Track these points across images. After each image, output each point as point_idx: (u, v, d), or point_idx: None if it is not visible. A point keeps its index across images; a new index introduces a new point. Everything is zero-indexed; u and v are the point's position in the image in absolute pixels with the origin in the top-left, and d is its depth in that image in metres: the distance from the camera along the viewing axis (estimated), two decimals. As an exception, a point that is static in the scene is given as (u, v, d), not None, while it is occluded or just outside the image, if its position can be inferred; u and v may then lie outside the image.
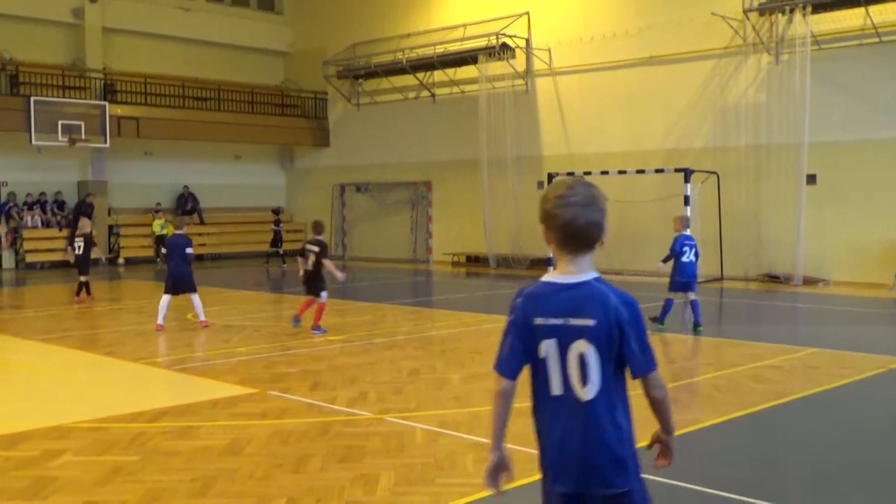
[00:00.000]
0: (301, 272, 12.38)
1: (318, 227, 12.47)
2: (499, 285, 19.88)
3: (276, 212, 26.58)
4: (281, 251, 25.57)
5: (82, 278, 16.34)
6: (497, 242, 23.90)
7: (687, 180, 19.18)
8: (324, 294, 12.18)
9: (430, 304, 17.13)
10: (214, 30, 29.35)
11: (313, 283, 12.20)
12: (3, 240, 24.98)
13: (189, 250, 12.80)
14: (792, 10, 19.17)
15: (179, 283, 12.70)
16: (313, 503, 5.37)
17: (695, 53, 20.82)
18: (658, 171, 20.20)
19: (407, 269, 25.08)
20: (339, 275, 12.36)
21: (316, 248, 12.15)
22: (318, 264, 12.09)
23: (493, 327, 12.63)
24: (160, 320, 12.51)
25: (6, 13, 25.14)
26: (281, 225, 25.86)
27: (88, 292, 16.45)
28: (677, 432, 6.68)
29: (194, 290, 12.79)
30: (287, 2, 31.48)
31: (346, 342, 11.46)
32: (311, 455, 6.31)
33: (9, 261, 25.02)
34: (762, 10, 19.72)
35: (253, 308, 15.62)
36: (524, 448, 6.43)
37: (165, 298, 12.59)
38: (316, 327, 12.03)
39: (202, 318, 12.76)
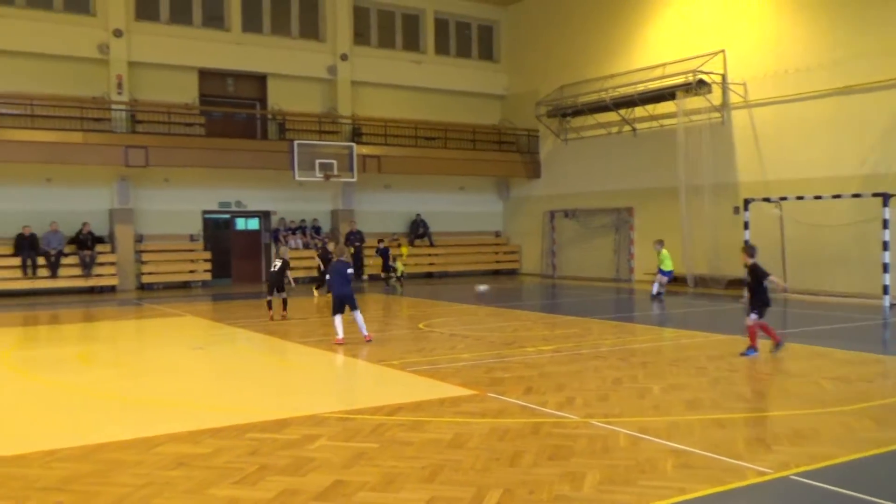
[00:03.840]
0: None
1: (751, 250, 11.17)
2: (696, 303, 19.08)
3: (322, 233, 26.43)
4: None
5: (280, 295, 16.12)
6: (695, 263, 22.93)
7: (885, 204, 17.59)
8: (753, 315, 10.89)
9: (632, 319, 16.69)
10: (441, 79, 30.32)
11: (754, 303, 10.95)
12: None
13: (349, 271, 12.54)
14: None
15: (344, 302, 12.36)
16: (526, 494, 5.37)
17: (893, 81, 19.10)
18: (855, 195, 18.65)
19: (610, 287, 24.61)
20: (781, 284, 11.45)
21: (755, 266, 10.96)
22: (758, 285, 10.84)
23: (690, 342, 12.14)
24: (340, 334, 12.25)
25: (278, 73, 27.28)
26: (326, 244, 22.37)
27: (284, 308, 16.23)
28: (873, 450, 6.08)
29: (356, 308, 12.42)
30: (504, 52, 31.97)
31: (555, 352, 11.40)
32: (524, 451, 6.32)
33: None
34: (966, 36, 17.79)
35: (474, 319, 15.87)
36: (716, 455, 6.12)
37: (338, 318, 12.34)
38: (752, 349, 10.87)
39: (364, 332, 12.37)
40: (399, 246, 27.67)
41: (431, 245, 29.38)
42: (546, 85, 29.00)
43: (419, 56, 30.23)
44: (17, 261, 22.45)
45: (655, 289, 19.71)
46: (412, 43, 30.37)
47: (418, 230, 29.35)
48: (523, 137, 30.45)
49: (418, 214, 29.57)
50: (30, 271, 22.54)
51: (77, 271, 23.22)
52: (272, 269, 16.50)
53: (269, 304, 16.05)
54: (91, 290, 23.33)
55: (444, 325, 14.70)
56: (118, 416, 7.83)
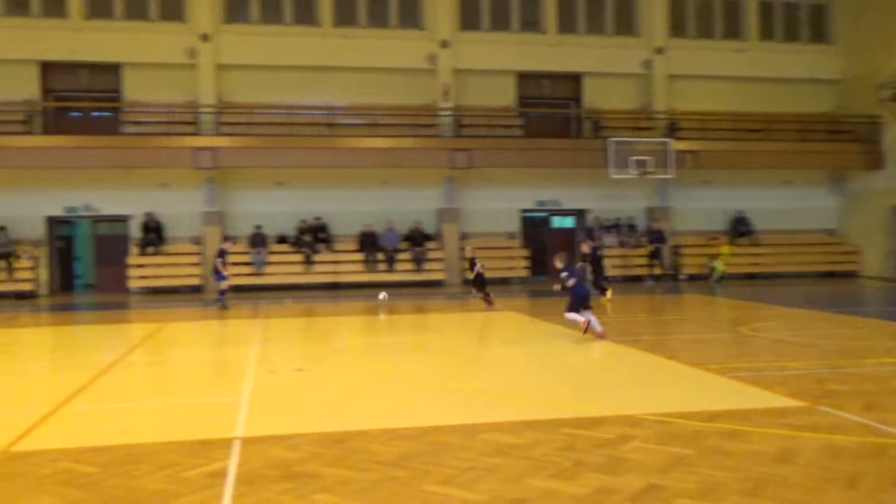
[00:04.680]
0: None
1: None
2: None
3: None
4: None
5: (478, 295, 18.01)
6: None
7: None
8: None
9: None
10: (766, 66, 28.41)
11: None
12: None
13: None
14: None
15: (587, 301, 12.95)
16: (866, 522, 4.88)
17: None
18: None
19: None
20: None
21: None
22: None
23: None
24: (599, 329, 12.71)
25: (593, 71, 27.48)
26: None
27: (489, 303, 17.79)
28: None
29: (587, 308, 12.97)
30: (839, 32, 29.10)
31: (901, 365, 10.16)
32: (864, 474, 5.72)
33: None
34: None
35: (804, 325, 14.68)
36: None
37: (574, 315, 12.84)
38: None
39: (599, 329, 12.74)
40: (719, 245, 26.56)
41: (755, 244, 27.69)
42: (891, 65, 25.90)
43: (741, 44, 28.61)
44: (360, 256, 25.15)
45: None
46: (733, 30, 28.84)
47: (739, 228, 27.81)
48: (862, 125, 27.50)
49: (740, 211, 28.01)
50: (371, 266, 25.11)
51: (410, 266, 25.37)
52: (478, 270, 18.08)
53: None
54: (421, 284, 25.34)
55: (770, 330, 13.78)
56: (446, 402, 8.43)
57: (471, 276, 18.64)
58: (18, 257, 23.86)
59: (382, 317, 17.40)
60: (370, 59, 25.96)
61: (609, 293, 19.11)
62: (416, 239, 25.54)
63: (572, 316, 12.92)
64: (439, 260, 25.70)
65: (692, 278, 26.19)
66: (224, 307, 18.85)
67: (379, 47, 26.04)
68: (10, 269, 23.65)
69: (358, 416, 7.78)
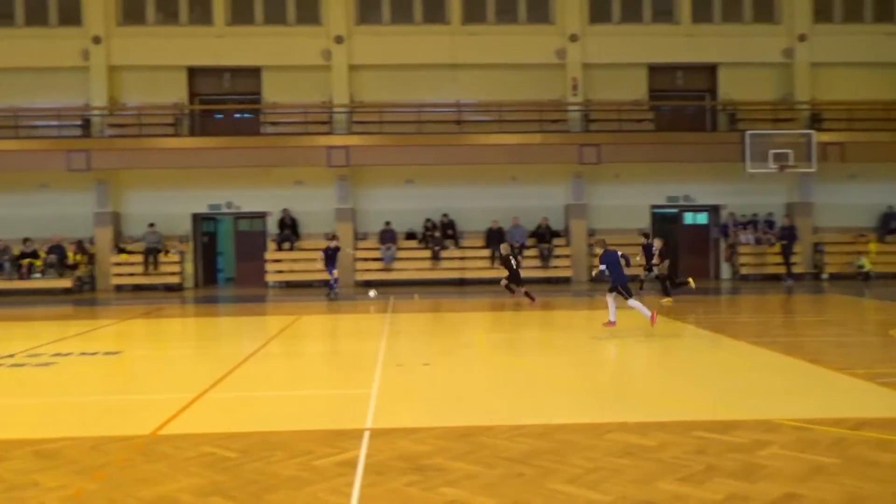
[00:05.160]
0: None
1: None
2: None
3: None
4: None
5: (522, 288, 18.71)
6: None
7: None
8: None
9: None
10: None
11: None
12: (723, 254, 26.26)
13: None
14: None
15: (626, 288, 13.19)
16: None
17: None
18: None
19: None
20: None
21: None
22: None
23: None
24: (647, 312, 13.16)
25: (729, 61, 26.46)
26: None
27: (530, 297, 18.42)
28: None
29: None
30: None
31: None
32: None
33: (726, 272, 26.23)
34: None
35: (961, 328, 13.61)
36: None
37: (637, 303, 13.30)
38: None
39: (613, 318, 13.22)
40: (866, 242, 25.05)
41: (906, 241, 25.92)
42: None
43: (893, 27, 26.80)
44: (487, 252, 25.22)
45: None
46: (885, 13, 27.05)
47: (890, 224, 26.08)
48: None
49: (890, 207, 26.27)
50: (496, 262, 25.13)
51: (536, 263, 25.24)
52: (515, 267, 18.78)
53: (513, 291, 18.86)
54: (548, 281, 25.16)
55: (922, 333, 12.86)
56: (572, 400, 8.34)
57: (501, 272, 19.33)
58: (167, 252, 25.41)
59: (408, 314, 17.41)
60: (498, 55, 26.01)
61: (667, 300, 18.52)
62: (544, 235, 25.38)
63: (634, 303, 13.28)
64: (566, 256, 25.45)
65: (835, 277, 24.78)
66: (331, 298, 20.27)
67: (507, 43, 26.03)
68: (158, 263, 25.20)
69: (483, 411, 7.81)
